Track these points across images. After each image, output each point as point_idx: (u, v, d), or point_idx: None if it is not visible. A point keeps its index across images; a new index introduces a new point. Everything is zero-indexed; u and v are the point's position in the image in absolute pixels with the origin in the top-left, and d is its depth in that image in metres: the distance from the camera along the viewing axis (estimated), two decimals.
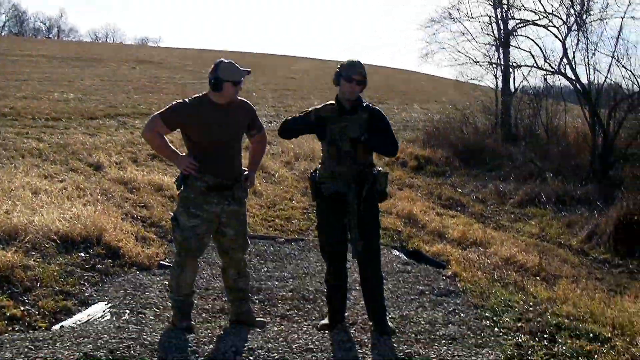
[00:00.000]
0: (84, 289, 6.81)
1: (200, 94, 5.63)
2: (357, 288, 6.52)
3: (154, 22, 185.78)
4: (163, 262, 7.84)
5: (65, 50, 43.19)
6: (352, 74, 5.58)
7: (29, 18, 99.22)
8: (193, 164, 5.43)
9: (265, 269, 8.02)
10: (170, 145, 5.67)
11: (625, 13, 17.64)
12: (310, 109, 5.85)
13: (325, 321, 6.00)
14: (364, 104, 5.73)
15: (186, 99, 5.57)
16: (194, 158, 5.47)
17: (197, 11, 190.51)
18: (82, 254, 7.56)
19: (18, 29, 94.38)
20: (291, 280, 7.55)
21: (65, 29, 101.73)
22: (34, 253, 7.16)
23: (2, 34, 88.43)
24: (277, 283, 7.41)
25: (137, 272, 7.52)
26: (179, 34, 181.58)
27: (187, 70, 36.40)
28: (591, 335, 5.95)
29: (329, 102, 5.77)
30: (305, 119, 5.77)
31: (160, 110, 5.59)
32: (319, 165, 5.89)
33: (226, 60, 5.54)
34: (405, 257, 9.05)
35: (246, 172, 5.75)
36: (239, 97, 5.67)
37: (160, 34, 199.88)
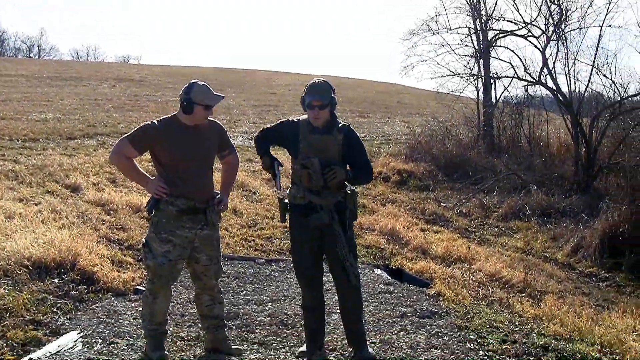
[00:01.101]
0: (56, 317, 6.59)
1: (169, 115, 5.46)
2: (337, 311, 6.33)
3: (135, 40, 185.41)
4: (139, 287, 7.62)
5: (45, 70, 42.85)
6: (311, 100, 5.41)
7: (9, 37, 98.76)
8: (163, 187, 5.26)
9: (244, 292, 7.84)
10: (140, 169, 5.49)
11: (603, 22, 17.60)
12: (284, 121, 5.75)
13: (304, 348, 5.83)
14: (340, 124, 5.56)
15: (154, 121, 5.39)
16: (165, 181, 5.30)
17: (179, 28, 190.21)
18: (56, 280, 7.36)
19: None
20: (270, 304, 7.37)
21: (46, 48, 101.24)
22: (4, 281, 6.95)
23: None
24: (255, 307, 7.22)
25: (112, 299, 7.31)
26: (160, 51, 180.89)
27: (168, 87, 36.10)
28: (579, 356, 5.80)
29: (304, 118, 5.62)
30: (279, 128, 5.74)
31: (128, 134, 5.41)
32: (290, 185, 5.72)
33: (200, 83, 5.37)
34: (387, 277, 8.88)
35: (219, 195, 5.58)
36: (211, 119, 5.50)
37: (142, 52, 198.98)
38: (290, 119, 5.71)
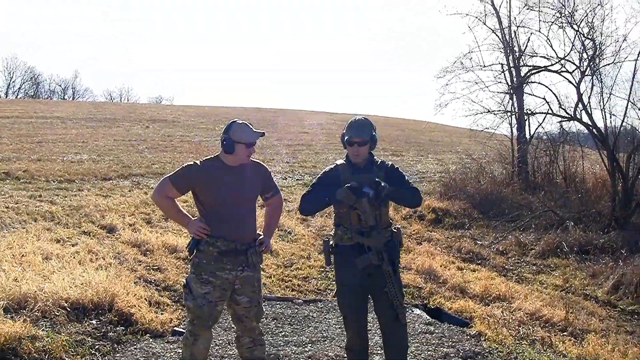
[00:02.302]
0: (95, 359, 6.56)
1: (212, 156, 5.46)
2: (379, 352, 6.25)
3: (167, 81, 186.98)
4: (177, 329, 7.59)
5: (80, 111, 43.36)
6: (352, 137, 5.47)
7: (44, 80, 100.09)
8: (204, 228, 5.24)
9: (283, 333, 7.77)
10: (181, 209, 5.48)
11: (638, 55, 17.34)
12: (322, 174, 5.69)
13: None
14: (378, 162, 5.55)
15: (197, 161, 5.40)
16: (206, 222, 5.28)
17: (210, 69, 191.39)
18: (94, 322, 7.33)
19: (34, 92, 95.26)
20: (310, 345, 7.29)
21: (80, 89, 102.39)
22: (43, 322, 6.93)
23: (18, 96, 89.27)
24: (295, 349, 7.15)
25: (151, 340, 7.26)
26: (191, 92, 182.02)
27: (200, 127, 36.39)
28: None
29: (340, 163, 5.61)
30: (323, 190, 5.57)
31: (170, 173, 5.41)
32: (334, 229, 5.67)
33: (239, 121, 5.38)
34: (427, 317, 8.79)
35: (261, 237, 5.53)
36: (252, 159, 5.49)
37: (174, 93, 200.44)
38: (327, 169, 5.72)
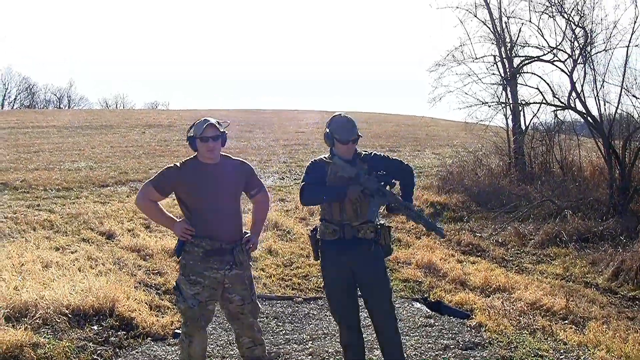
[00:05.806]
0: None
1: (191, 157, 5.50)
2: (379, 347, 6.26)
3: (163, 86, 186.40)
4: (178, 331, 7.57)
5: (76, 119, 43.28)
6: (347, 137, 5.48)
7: (39, 90, 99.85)
8: (189, 229, 5.29)
9: (284, 331, 7.80)
10: (165, 211, 5.51)
11: (629, 42, 17.28)
12: (310, 169, 5.71)
13: None
14: (362, 155, 5.59)
15: (177, 163, 5.46)
16: (190, 222, 5.32)
17: (205, 73, 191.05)
18: (95, 327, 7.38)
19: (29, 102, 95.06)
20: (310, 342, 7.33)
21: (75, 98, 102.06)
22: (44, 329, 6.98)
23: (14, 107, 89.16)
24: (296, 346, 7.19)
25: (152, 343, 7.30)
26: (188, 96, 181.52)
27: None
28: None
29: (326, 156, 5.63)
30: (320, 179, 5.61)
31: (152, 178, 5.45)
32: (319, 222, 5.71)
33: (203, 119, 5.44)
34: (427, 310, 8.82)
35: (248, 235, 5.56)
36: (238, 158, 5.53)
37: (169, 98, 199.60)
38: (315, 161, 5.74)
